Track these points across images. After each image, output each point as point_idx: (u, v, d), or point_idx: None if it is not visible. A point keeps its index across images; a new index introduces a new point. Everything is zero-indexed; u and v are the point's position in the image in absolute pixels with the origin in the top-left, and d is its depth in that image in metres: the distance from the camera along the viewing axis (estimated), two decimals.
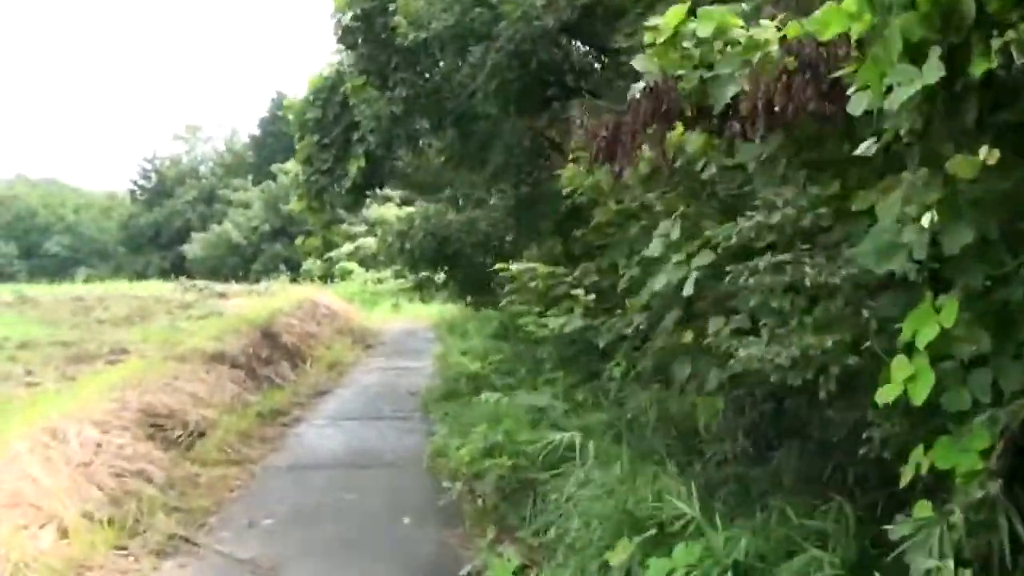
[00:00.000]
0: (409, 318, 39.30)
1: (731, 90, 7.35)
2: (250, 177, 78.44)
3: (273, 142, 74.56)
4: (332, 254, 51.93)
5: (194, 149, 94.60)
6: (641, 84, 7.61)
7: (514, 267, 9.66)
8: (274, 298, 28.99)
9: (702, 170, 7.53)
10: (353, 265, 53.30)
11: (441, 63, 15.88)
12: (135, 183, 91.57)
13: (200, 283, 48.17)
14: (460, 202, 18.00)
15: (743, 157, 7.46)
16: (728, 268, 6.78)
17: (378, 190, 18.98)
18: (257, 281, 51.75)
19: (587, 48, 15.88)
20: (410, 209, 53.59)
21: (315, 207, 17.82)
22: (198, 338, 19.70)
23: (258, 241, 68.52)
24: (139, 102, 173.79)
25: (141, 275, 70.89)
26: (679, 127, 7.57)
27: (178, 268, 69.60)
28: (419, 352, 27.39)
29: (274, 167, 64.44)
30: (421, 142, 16.39)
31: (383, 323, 36.24)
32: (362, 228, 55.30)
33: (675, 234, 7.61)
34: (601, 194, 9.45)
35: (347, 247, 52.86)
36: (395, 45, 15.46)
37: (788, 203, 6.83)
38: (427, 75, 16.05)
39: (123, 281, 60.13)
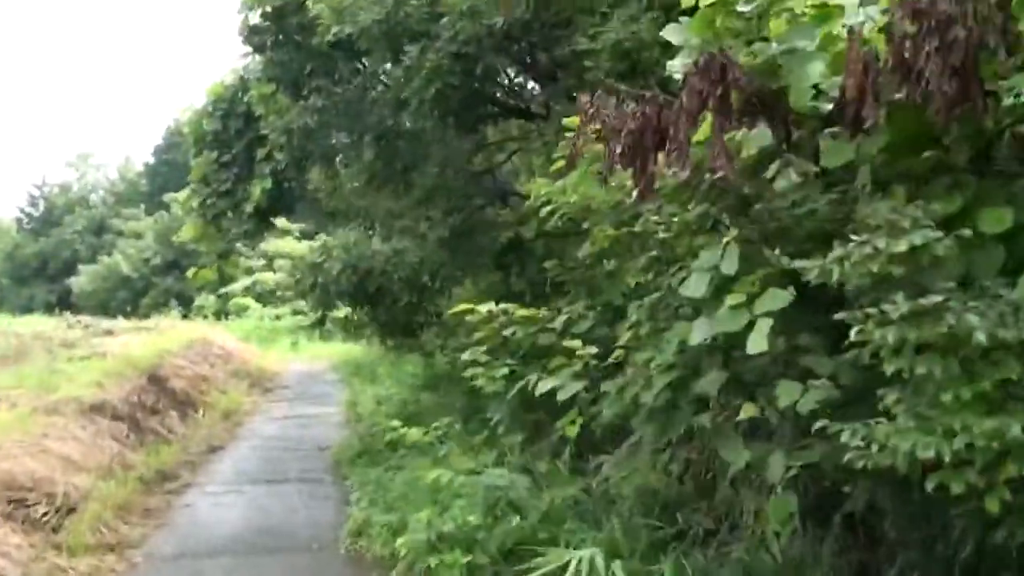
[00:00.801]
0: (309, 358, 36.55)
1: (816, 69, 5.22)
2: (143, 207, 74.65)
3: (168, 171, 70.99)
4: (227, 289, 48.91)
5: (85, 176, 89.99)
6: (681, 61, 5.43)
7: (482, 308, 7.28)
8: (164, 336, 26.13)
9: (773, 179, 5.31)
10: (249, 301, 50.32)
11: (364, 68, 13.57)
12: (22, 211, 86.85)
13: (86, 319, 44.60)
14: (378, 231, 15.57)
15: (833, 160, 5.31)
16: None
17: (284, 218, 16.44)
18: (147, 317, 48.42)
19: (532, 59, 13.68)
20: (320, 240, 51.61)
21: (211, 234, 15.29)
22: (77, 384, 16.94)
23: (149, 274, 64.81)
24: (29, 127, 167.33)
25: (26, 309, 66.62)
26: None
27: (65, 302, 65.46)
28: (324, 397, 24.79)
29: (167, 197, 60.95)
30: (338, 160, 13.99)
31: (282, 363, 33.39)
32: (259, 262, 52.49)
33: (729, 266, 5.38)
34: (590, 213, 7.20)
35: (243, 281, 49.93)
36: (310, 47, 13.17)
37: (916, 224, 4.68)
38: (347, 83, 13.70)
39: (5, 316, 56.12)
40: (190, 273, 16.40)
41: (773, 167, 5.29)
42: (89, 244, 77.58)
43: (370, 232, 14.49)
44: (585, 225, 8.16)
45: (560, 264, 9.84)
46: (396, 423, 9.47)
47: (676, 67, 5.40)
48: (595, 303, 7.48)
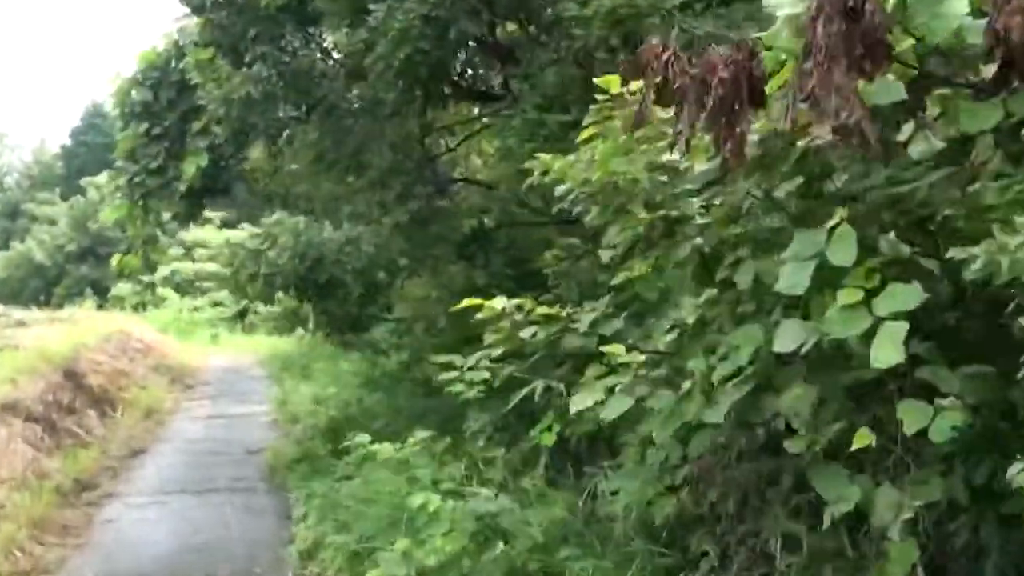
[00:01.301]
0: (231, 352, 34.83)
1: (957, 6, 4.06)
2: (58, 191, 71.68)
3: (85, 153, 68.29)
4: (152, 277, 46.67)
5: None
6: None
7: (496, 304, 5.94)
8: (80, 328, 24.32)
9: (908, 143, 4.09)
10: (167, 291, 48.28)
11: (315, 35, 12.17)
12: None
13: None
14: (323, 218, 14.04)
15: (972, 124, 4.12)
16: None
17: (218, 200, 14.90)
18: (60, 307, 46.02)
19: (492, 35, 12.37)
20: (263, 226, 49.42)
21: (137, 216, 13.70)
22: None
23: (63, 262, 61.99)
24: None
25: None
26: None
27: None
28: (250, 395, 23.24)
29: (85, 181, 58.42)
30: (284, 136, 12.50)
31: (203, 358, 31.55)
32: (177, 251, 50.40)
33: (842, 254, 4.15)
34: (620, 195, 5.93)
35: (161, 271, 47.83)
36: (256, 9, 11.74)
37: None
38: (296, 52, 12.27)
39: None
40: (114, 260, 14.73)
41: (906, 129, 4.09)
42: (3, 229, 74.47)
43: (314, 218, 12.99)
44: (584, 213, 6.95)
45: (558, 255, 8.67)
46: (363, 438, 8.04)
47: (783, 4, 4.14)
48: (622, 300, 6.19)
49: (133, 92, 13.13)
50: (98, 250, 54.52)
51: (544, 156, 6.87)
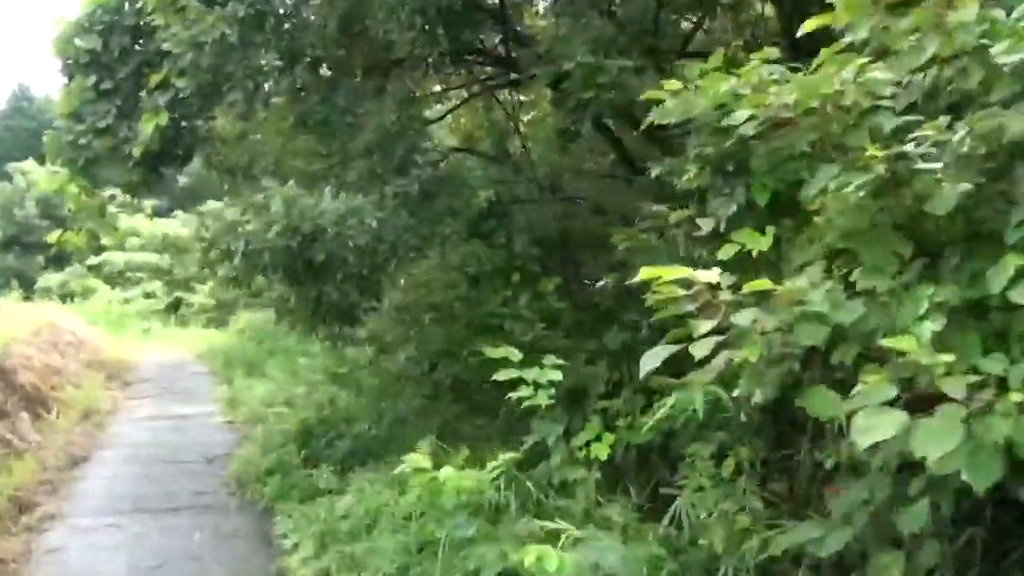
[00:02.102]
0: (166, 346, 32.27)
1: None
2: None
3: (11, 138, 64.53)
4: (103, 257, 43.72)
5: None
6: None
7: (700, 276, 3.92)
8: (7, 320, 21.85)
9: None
10: (96, 282, 45.46)
11: None
12: None
13: None
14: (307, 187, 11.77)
15: None
16: None
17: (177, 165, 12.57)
18: None
19: None
20: (173, 218, 46.57)
21: (83, 185, 11.44)
22: None
23: None
24: None
25: None
26: None
27: None
28: (194, 393, 21.00)
29: (11, 167, 55.11)
30: (267, 86, 10.35)
31: (138, 352, 28.88)
32: (107, 240, 47.51)
33: None
34: (830, 123, 4.03)
35: (90, 260, 44.96)
36: None
37: None
38: None
39: None
40: (51, 237, 12.39)
41: None
42: None
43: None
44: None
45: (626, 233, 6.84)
46: (415, 459, 5.92)
47: None
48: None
49: (78, 40, 10.87)
50: (24, 239, 51.48)
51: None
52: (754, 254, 5.16)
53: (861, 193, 3.89)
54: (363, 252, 8.99)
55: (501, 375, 6.53)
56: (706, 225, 5.88)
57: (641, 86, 7.56)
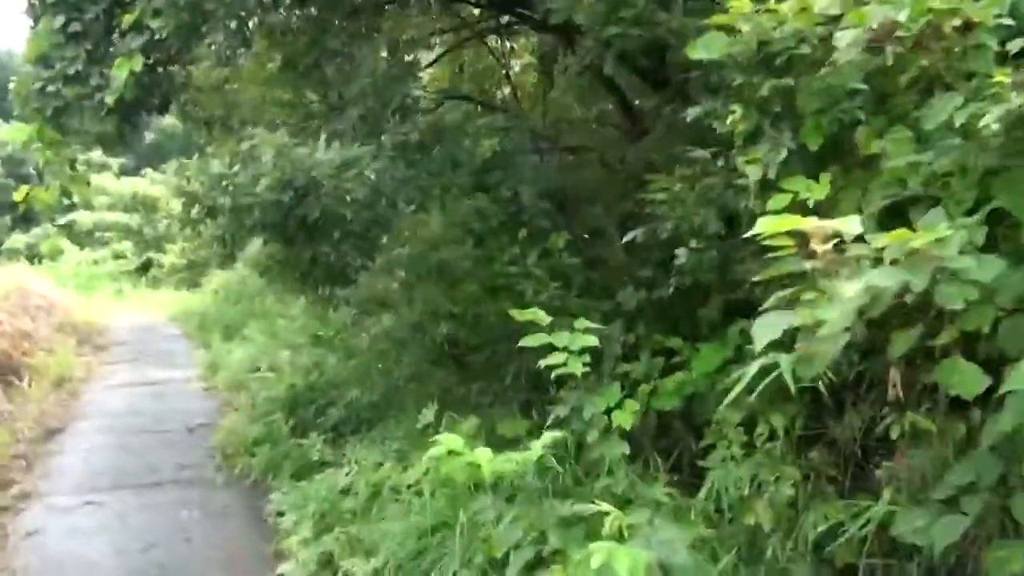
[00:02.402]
0: (139, 308, 31.40)
1: None
2: None
3: None
4: (72, 216, 42.50)
5: None
6: None
7: (839, 226, 3.20)
8: None
9: None
10: (64, 243, 44.33)
11: None
12: None
13: None
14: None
15: None
16: None
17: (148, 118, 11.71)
18: None
19: None
20: (141, 176, 45.29)
21: (50, 137, 10.57)
22: None
23: None
24: None
25: None
26: None
27: None
28: (170, 357, 20.28)
29: None
30: (253, 23, 9.50)
31: (109, 315, 27.91)
32: (73, 199, 46.30)
33: None
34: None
35: (59, 220, 43.80)
36: None
37: None
38: None
39: None
40: (18, 194, 11.51)
41: None
42: None
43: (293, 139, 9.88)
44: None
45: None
46: (454, 442, 5.15)
47: None
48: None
49: None
50: None
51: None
52: (810, 204, 4.61)
53: (995, 127, 3.23)
54: (361, 207, 8.27)
55: (529, 340, 5.87)
56: (753, 173, 5.27)
57: (671, 21, 6.90)
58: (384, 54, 9.08)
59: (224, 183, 8.25)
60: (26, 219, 45.50)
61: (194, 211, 8.90)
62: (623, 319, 7.85)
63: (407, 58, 9.74)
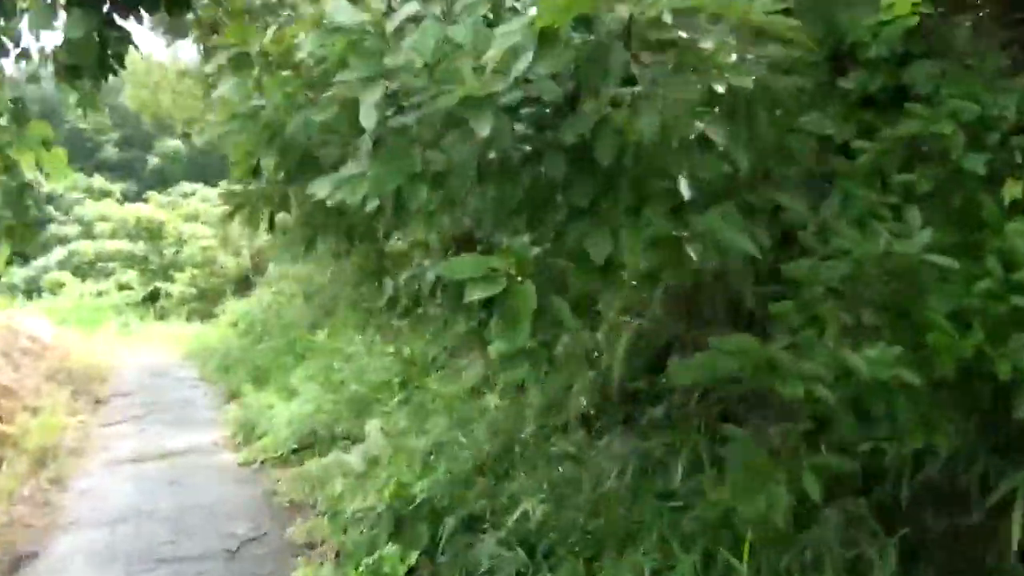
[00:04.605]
0: (146, 344, 26.47)
1: None
2: None
3: None
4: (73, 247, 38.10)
5: None
6: None
7: None
8: None
9: None
10: (65, 276, 39.77)
11: None
12: None
13: None
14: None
15: None
16: None
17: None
18: None
19: None
20: (145, 202, 41.12)
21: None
22: None
23: None
24: None
25: None
26: None
27: None
28: (187, 410, 15.52)
29: None
30: None
31: (113, 355, 22.84)
32: (74, 229, 42.03)
33: None
34: None
35: (58, 253, 39.43)
36: None
37: None
38: None
39: None
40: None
41: None
42: None
43: None
44: None
45: None
46: None
47: None
48: None
49: None
50: None
51: None
52: None
53: None
54: None
55: None
56: None
57: None
58: None
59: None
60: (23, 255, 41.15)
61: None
62: None
63: None
